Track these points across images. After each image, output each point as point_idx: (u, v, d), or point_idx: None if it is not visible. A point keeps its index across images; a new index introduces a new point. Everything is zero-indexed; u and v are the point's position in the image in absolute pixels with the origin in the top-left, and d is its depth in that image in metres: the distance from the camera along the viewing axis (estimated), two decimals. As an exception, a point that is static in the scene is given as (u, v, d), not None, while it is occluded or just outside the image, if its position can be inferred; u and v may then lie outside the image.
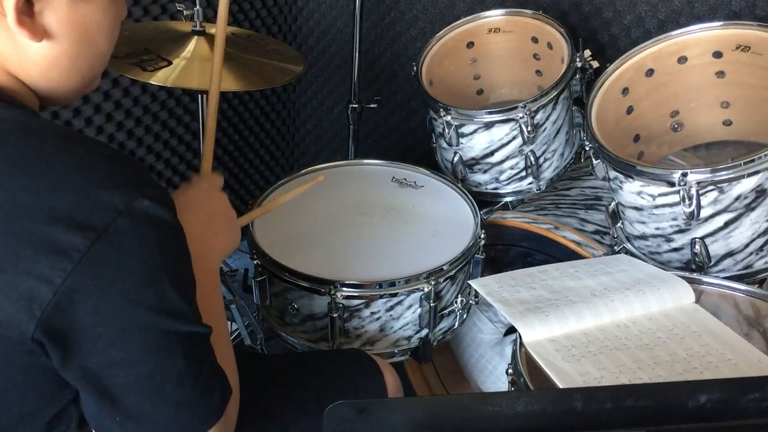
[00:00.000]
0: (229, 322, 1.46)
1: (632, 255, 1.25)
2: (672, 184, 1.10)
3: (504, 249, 1.48)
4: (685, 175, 1.08)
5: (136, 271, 0.66)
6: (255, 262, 1.24)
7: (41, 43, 0.70)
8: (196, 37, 1.48)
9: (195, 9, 1.50)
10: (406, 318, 1.23)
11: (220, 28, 1.11)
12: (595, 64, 1.51)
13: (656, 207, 1.16)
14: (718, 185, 1.08)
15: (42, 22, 0.69)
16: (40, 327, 0.63)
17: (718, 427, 0.61)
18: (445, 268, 1.21)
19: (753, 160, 1.06)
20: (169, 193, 0.70)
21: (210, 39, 1.50)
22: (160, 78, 1.34)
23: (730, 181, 1.07)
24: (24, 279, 0.62)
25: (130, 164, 0.69)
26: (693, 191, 1.09)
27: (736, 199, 1.09)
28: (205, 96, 1.57)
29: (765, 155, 1.05)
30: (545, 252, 1.40)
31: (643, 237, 1.23)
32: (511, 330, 1.00)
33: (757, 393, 0.63)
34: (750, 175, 1.06)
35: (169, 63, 1.37)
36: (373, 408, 0.58)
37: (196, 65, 1.41)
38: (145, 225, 0.65)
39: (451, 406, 0.62)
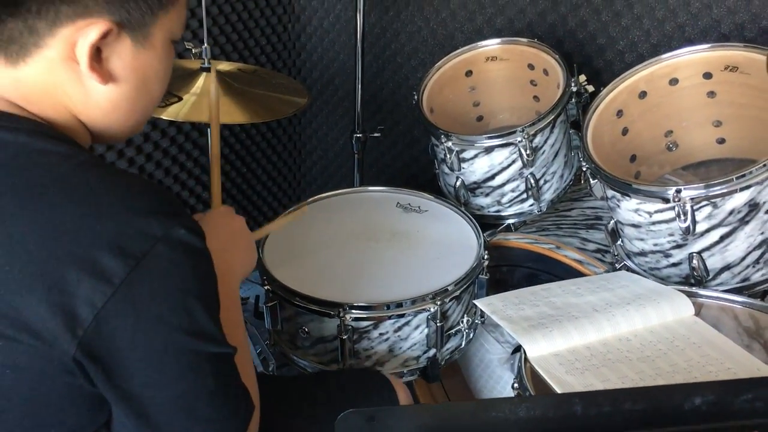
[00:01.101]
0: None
1: (633, 272, 1.28)
2: (667, 201, 1.13)
3: (509, 271, 1.51)
4: (679, 191, 1.11)
5: (172, 296, 0.70)
6: (266, 287, 1.28)
7: (106, 86, 0.76)
8: (204, 73, 1.54)
9: (203, 47, 1.56)
10: (413, 338, 1.25)
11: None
12: (591, 88, 1.55)
13: (653, 224, 1.19)
14: (712, 200, 1.11)
15: (109, 67, 0.76)
16: (81, 347, 0.66)
17: (714, 428, 0.63)
18: (450, 288, 1.24)
19: (744, 175, 1.09)
20: (198, 222, 0.74)
21: (218, 75, 1.56)
22: (171, 113, 1.40)
23: (723, 195, 1.10)
24: (68, 299, 0.66)
25: (166, 195, 0.74)
26: (687, 207, 1.12)
27: (730, 213, 1.12)
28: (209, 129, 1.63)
29: (756, 169, 1.09)
30: (548, 272, 1.43)
31: (643, 253, 1.26)
32: (518, 349, 1.02)
33: (750, 394, 0.65)
34: (742, 189, 1.09)
35: (180, 99, 1.43)
36: (382, 415, 0.61)
37: (205, 101, 1.46)
38: (180, 252, 0.69)
39: (456, 412, 0.64)
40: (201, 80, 1.52)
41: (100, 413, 0.74)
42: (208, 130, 1.67)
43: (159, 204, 0.71)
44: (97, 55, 0.74)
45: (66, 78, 0.75)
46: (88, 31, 0.72)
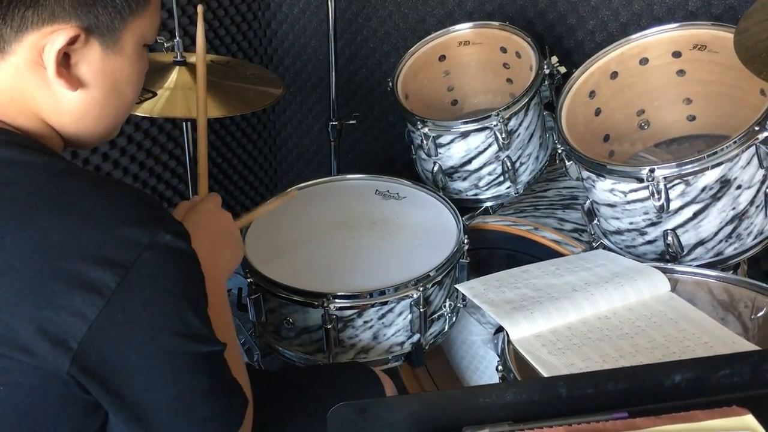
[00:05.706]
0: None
1: (609, 250, 1.30)
2: (641, 180, 1.16)
3: (488, 253, 1.53)
4: (652, 171, 1.14)
5: (163, 302, 0.70)
6: (248, 280, 1.28)
7: (76, 92, 0.75)
8: (177, 67, 1.53)
9: (175, 40, 1.54)
10: (397, 325, 1.27)
11: (200, 56, 1.16)
12: (563, 69, 1.56)
13: (628, 203, 1.21)
14: (684, 178, 1.13)
15: (77, 73, 0.75)
16: (75, 361, 0.66)
17: (694, 404, 0.65)
18: (431, 274, 1.26)
19: (716, 152, 1.11)
20: (183, 224, 0.74)
21: (191, 68, 1.54)
22: (146, 109, 1.38)
23: (695, 173, 1.13)
24: (59, 315, 0.66)
25: (150, 201, 0.74)
26: (661, 185, 1.14)
27: (702, 190, 1.14)
28: (190, 123, 1.61)
29: (726, 147, 1.11)
30: (527, 253, 1.44)
31: (619, 232, 1.28)
32: (500, 329, 1.04)
33: (727, 369, 0.67)
34: (714, 166, 1.12)
35: (154, 94, 1.41)
36: (373, 407, 0.63)
37: (180, 94, 1.45)
38: (167, 257, 0.70)
39: (445, 400, 0.66)
40: (174, 74, 1.51)
41: (95, 418, 0.74)
42: (184, 123, 1.66)
43: (142, 210, 0.71)
44: (65, 60, 0.73)
45: (34, 84, 0.74)
46: (55, 37, 0.71)
